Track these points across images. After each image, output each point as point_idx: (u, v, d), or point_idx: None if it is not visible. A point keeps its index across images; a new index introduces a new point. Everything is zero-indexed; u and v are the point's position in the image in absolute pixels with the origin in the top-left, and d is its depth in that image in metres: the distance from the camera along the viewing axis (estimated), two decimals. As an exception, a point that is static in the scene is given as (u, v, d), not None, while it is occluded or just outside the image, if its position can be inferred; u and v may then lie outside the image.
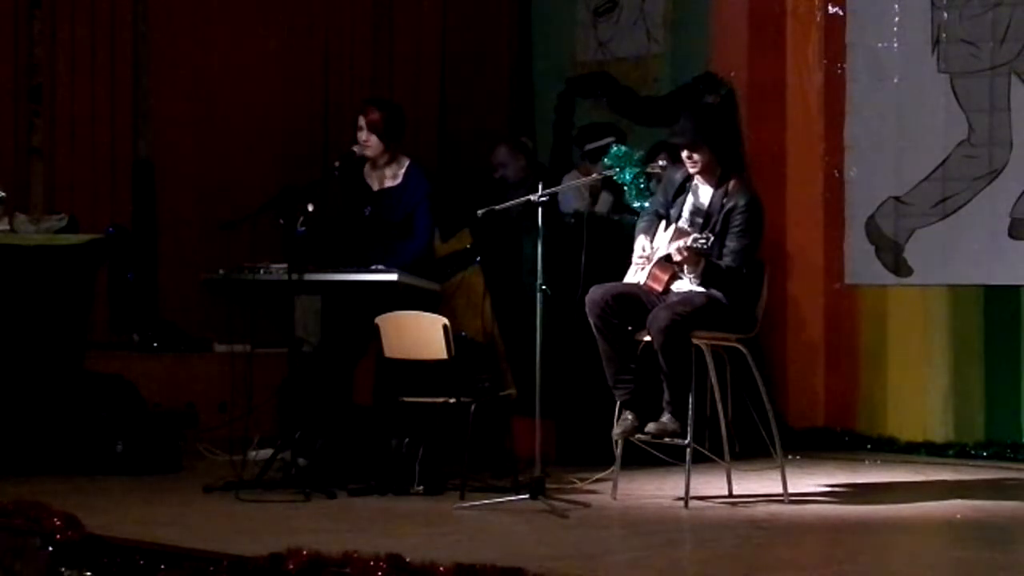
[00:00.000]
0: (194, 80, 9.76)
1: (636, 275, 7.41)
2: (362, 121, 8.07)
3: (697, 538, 6.54)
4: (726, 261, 7.19)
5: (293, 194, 7.63)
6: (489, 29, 11.01)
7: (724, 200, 7.29)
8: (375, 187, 8.14)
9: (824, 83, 9.72)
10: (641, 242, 7.44)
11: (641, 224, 7.55)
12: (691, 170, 7.37)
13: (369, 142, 8.05)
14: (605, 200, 9.20)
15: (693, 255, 7.09)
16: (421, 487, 7.46)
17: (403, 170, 8.11)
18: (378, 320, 7.52)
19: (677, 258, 7.12)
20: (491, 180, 9.52)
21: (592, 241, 7.81)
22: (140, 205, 9.55)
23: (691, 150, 7.32)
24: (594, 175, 8.44)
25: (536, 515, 6.84)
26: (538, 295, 7.13)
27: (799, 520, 6.88)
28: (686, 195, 7.44)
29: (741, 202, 7.26)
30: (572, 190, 9.00)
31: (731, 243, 7.22)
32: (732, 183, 7.33)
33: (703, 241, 7.04)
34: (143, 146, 9.67)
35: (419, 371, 7.53)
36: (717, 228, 7.21)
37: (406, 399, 7.54)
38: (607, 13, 10.64)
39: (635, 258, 7.44)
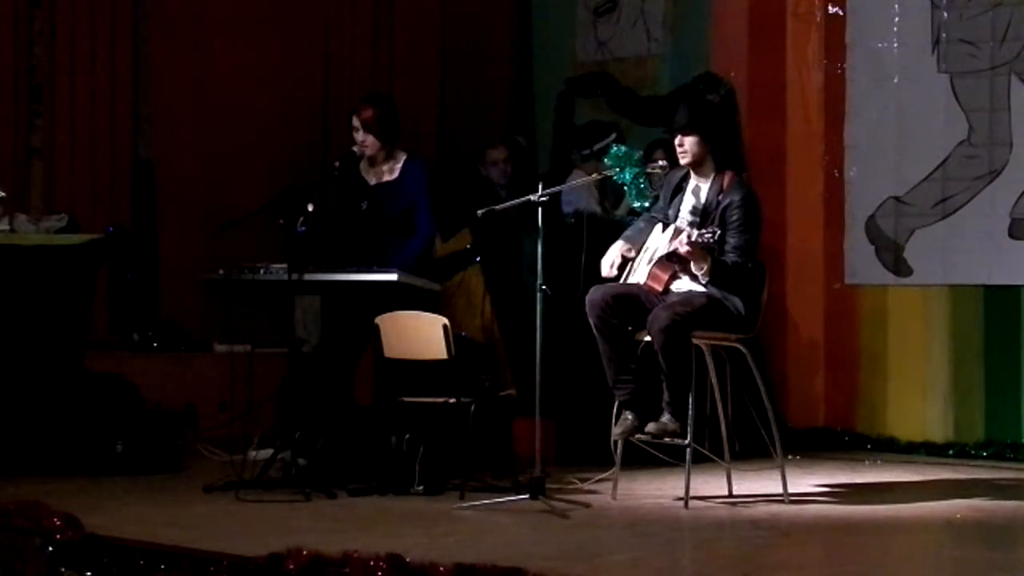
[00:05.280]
0: (194, 80, 9.76)
1: (633, 276, 7.40)
2: (356, 121, 8.05)
3: (697, 538, 6.54)
4: (731, 257, 7.19)
5: (293, 194, 7.63)
6: (489, 29, 11.01)
7: (720, 197, 7.30)
8: (372, 182, 8.13)
9: (824, 83, 9.72)
10: (619, 246, 7.41)
11: (629, 229, 7.54)
12: (681, 160, 7.38)
13: (367, 141, 8.04)
14: (625, 206, 9.18)
15: (699, 251, 7.09)
16: (421, 487, 7.46)
17: (400, 165, 8.08)
18: (378, 320, 7.52)
19: (683, 251, 7.11)
20: (476, 173, 9.53)
21: (592, 241, 7.81)
22: (140, 205, 9.55)
23: (682, 135, 7.33)
24: (594, 175, 8.43)
25: (536, 515, 6.84)
26: (538, 295, 7.13)
27: (799, 520, 6.88)
28: (683, 195, 7.44)
29: (736, 197, 7.27)
30: (577, 189, 8.99)
31: (732, 239, 7.22)
32: (727, 180, 7.34)
33: (708, 235, 7.04)
34: (143, 146, 9.67)
35: (419, 371, 7.53)
36: (715, 224, 7.21)
37: (406, 399, 7.54)
38: (607, 13, 10.64)
39: (603, 265, 7.39)
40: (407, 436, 7.56)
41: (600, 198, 9.37)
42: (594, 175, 8.43)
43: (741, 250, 7.22)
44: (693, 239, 7.05)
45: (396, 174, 8.08)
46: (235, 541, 5.90)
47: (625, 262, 7.42)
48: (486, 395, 7.60)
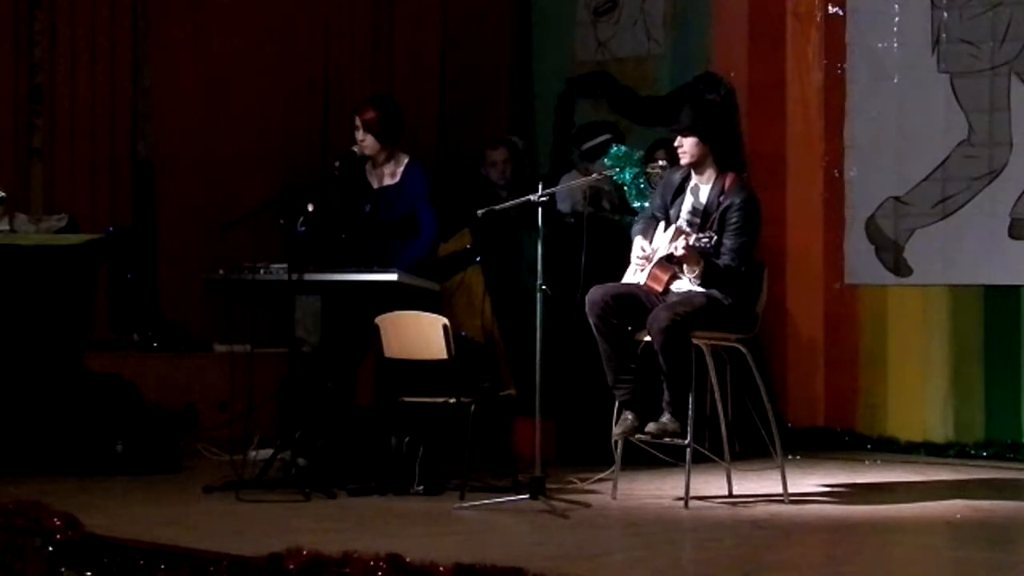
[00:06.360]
0: (194, 80, 9.76)
1: (635, 276, 7.42)
2: (358, 121, 8.06)
3: (697, 538, 6.54)
4: (724, 260, 7.20)
5: (293, 194, 7.63)
6: (489, 29, 11.00)
7: (721, 198, 7.30)
8: (375, 185, 8.14)
9: (824, 83, 9.73)
10: (639, 243, 7.45)
11: (636, 227, 7.56)
12: (682, 160, 7.40)
13: (366, 141, 8.05)
14: (608, 205, 9.18)
15: (694, 254, 7.10)
16: (421, 487, 7.46)
17: (401, 168, 8.10)
18: (378, 320, 7.53)
19: (679, 254, 7.12)
20: (476, 173, 9.53)
21: (592, 241, 7.81)
22: (140, 205, 9.55)
23: (681, 136, 7.35)
24: (594, 175, 8.42)
25: (536, 515, 6.84)
26: (538, 295, 7.13)
27: (799, 520, 6.88)
28: (684, 195, 7.45)
29: (737, 200, 7.27)
30: (566, 190, 8.99)
31: (728, 241, 7.23)
32: (729, 182, 7.35)
33: (706, 240, 7.05)
34: (143, 146, 9.67)
35: (419, 371, 7.53)
36: (715, 226, 7.22)
37: (406, 399, 7.54)
38: (607, 13, 10.64)
39: (634, 259, 7.44)
40: (407, 436, 7.55)
41: (587, 197, 9.31)
42: (593, 175, 8.41)
43: (735, 252, 7.23)
44: (691, 243, 7.06)
45: (397, 178, 8.10)
46: (235, 541, 5.90)
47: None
48: (486, 395, 7.60)
